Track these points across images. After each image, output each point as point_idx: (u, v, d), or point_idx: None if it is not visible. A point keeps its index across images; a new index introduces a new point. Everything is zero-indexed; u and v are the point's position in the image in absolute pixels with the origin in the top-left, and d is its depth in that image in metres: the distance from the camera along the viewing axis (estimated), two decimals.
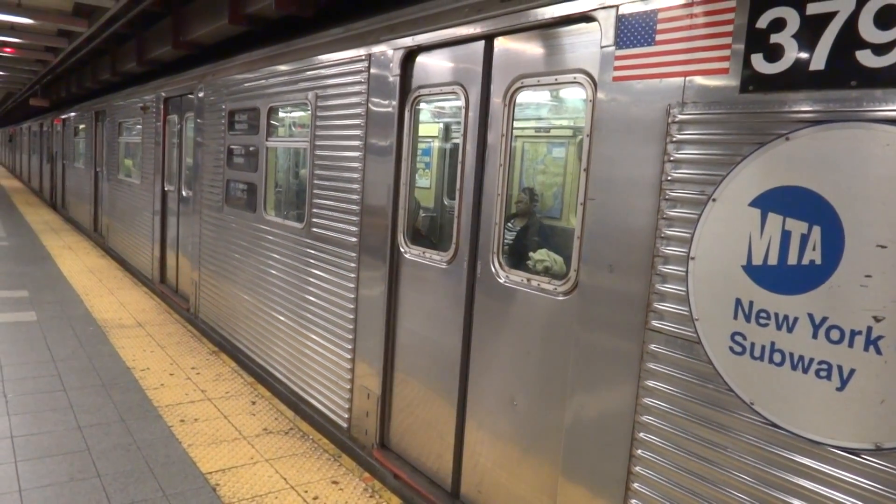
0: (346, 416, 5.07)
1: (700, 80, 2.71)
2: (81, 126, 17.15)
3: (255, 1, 6.72)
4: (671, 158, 2.78)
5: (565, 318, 3.33)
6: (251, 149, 6.84)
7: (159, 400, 5.84)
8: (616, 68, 3.04)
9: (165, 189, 9.97)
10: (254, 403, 5.92)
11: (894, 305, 2.15)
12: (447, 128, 7.61)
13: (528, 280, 3.62)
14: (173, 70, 10.10)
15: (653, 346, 2.86)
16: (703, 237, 2.66)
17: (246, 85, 7.03)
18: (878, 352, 2.19)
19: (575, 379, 3.23)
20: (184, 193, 9.14)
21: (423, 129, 8.01)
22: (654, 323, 2.85)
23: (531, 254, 5.27)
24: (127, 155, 12.71)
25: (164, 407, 5.69)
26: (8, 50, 15.93)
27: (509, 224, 6.90)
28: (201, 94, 8.29)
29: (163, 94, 9.96)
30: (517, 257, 5.80)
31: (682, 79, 2.77)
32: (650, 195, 2.86)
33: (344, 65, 5.20)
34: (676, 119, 2.76)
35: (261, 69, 6.69)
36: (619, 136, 3.02)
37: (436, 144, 8.11)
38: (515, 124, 8.04)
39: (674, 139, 2.77)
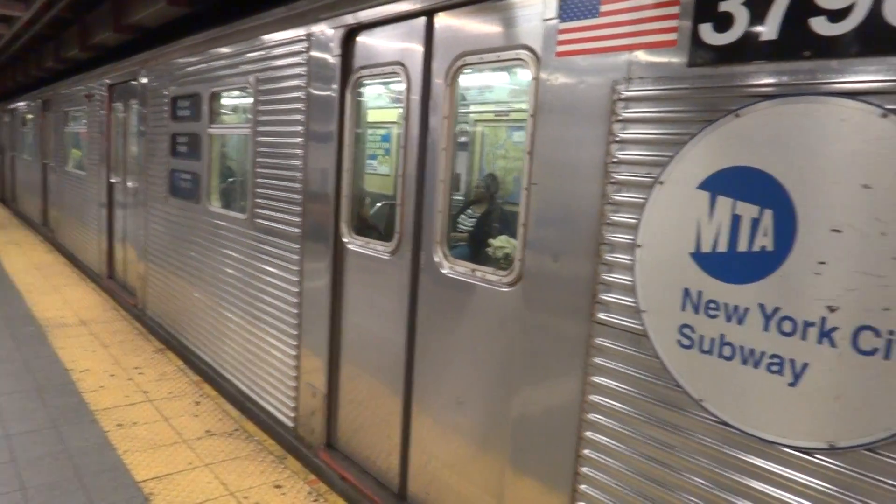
0: (293, 414, 4.83)
1: (647, 53, 2.51)
2: (29, 116, 16.48)
3: None
4: (617, 139, 2.59)
5: (510, 311, 3.14)
6: (194, 136, 6.52)
7: (97, 403, 5.52)
8: (559, 43, 2.83)
9: (111, 180, 9.54)
10: (198, 404, 5.64)
11: (849, 294, 1.99)
12: None
13: (473, 271, 3.42)
14: (120, 56, 9.65)
15: (599, 340, 2.67)
16: (650, 223, 2.48)
17: (188, 69, 6.70)
18: (833, 344, 2.02)
19: (520, 375, 3.04)
20: (129, 184, 8.75)
21: (382, 115, 7.77)
22: (601, 315, 2.67)
23: (491, 240, 5.08)
24: (74, 145, 12.20)
25: (101, 411, 5.38)
26: None
27: (469, 210, 6.73)
28: (144, 81, 7.92)
29: (107, 80, 9.52)
30: (478, 244, 5.62)
31: (629, 53, 2.57)
32: (596, 179, 2.67)
33: (284, 46, 4.92)
34: (622, 96, 2.57)
35: (202, 53, 6.36)
36: (563, 115, 2.82)
37: (395, 130, 7.87)
38: (474, 108, 7.81)
39: (619, 118, 2.58)
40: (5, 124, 20.32)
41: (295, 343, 4.76)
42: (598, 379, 2.68)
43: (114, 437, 4.91)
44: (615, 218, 2.59)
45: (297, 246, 4.72)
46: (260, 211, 5.21)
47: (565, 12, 2.80)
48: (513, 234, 4.83)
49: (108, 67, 9.71)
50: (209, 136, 6.24)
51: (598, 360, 2.68)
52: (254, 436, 5.09)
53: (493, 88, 6.96)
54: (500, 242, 4.92)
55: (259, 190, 5.20)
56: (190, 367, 6.51)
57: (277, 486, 4.35)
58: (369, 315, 4.18)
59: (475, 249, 5.67)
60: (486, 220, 6.24)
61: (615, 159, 2.59)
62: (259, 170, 5.19)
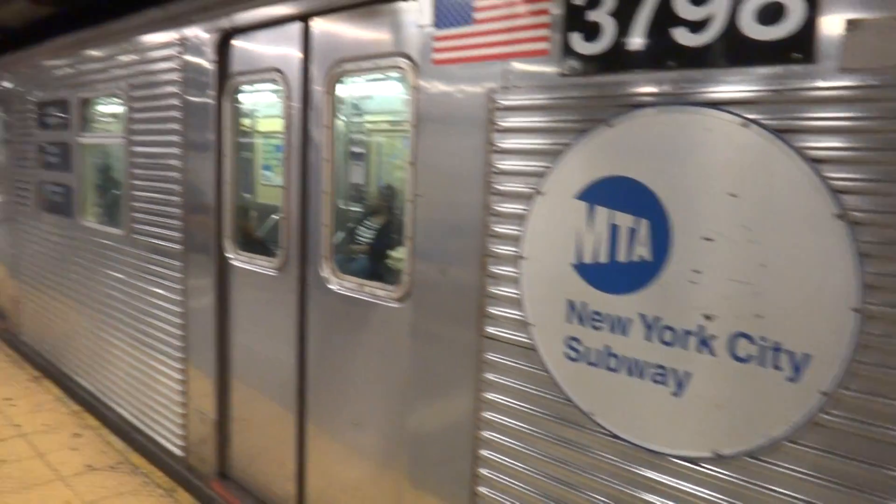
0: (182, 443, 4.54)
1: (521, 62, 2.46)
2: None
3: None
4: (496, 148, 2.52)
5: (401, 327, 3.03)
6: (63, 146, 6.04)
7: None
8: (436, 50, 2.74)
9: None
10: (78, 436, 5.21)
11: (725, 302, 2.00)
12: None
13: (361, 286, 3.28)
14: None
15: (489, 355, 2.61)
16: (533, 234, 2.43)
17: (55, 73, 6.20)
18: (712, 353, 2.03)
19: (414, 394, 2.94)
20: None
21: (276, 124, 7.43)
22: (490, 329, 2.60)
23: (390, 252, 4.95)
24: None
25: None
26: None
27: (367, 222, 6.56)
28: (8, 85, 7.28)
29: None
30: (378, 256, 5.47)
31: (503, 61, 2.51)
32: (478, 189, 2.60)
33: (157, 49, 4.60)
34: (499, 105, 2.51)
35: (70, 56, 5.89)
36: (444, 124, 2.73)
37: None
38: (369, 118, 7.58)
39: (498, 127, 2.52)
40: None
41: (181, 367, 4.47)
42: (490, 395, 2.62)
43: None
44: (499, 229, 2.53)
45: (179, 263, 4.43)
46: (138, 226, 4.86)
47: (440, 19, 2.71)
48: None
49: None
50: (80, 145, 5.79)
51: (489, 376, 2.61)
52: (140, 468, 4.75)
53: (387, 98, 6.82)
54: (399, 254, 4.80)
55: (136, 203, 4.86)
56: (70, 397, 6.02)
57: None
58: (259, 335, 3.97)
59: (376, 262, 5.53)
60: (384, 232, 6.11)
61: (496, 169, 2.52)
62: (135, 182, 4.85)
